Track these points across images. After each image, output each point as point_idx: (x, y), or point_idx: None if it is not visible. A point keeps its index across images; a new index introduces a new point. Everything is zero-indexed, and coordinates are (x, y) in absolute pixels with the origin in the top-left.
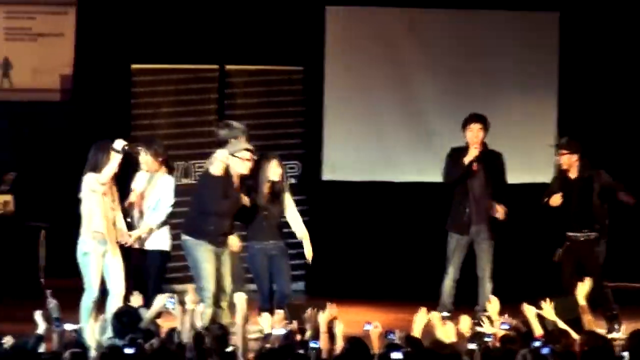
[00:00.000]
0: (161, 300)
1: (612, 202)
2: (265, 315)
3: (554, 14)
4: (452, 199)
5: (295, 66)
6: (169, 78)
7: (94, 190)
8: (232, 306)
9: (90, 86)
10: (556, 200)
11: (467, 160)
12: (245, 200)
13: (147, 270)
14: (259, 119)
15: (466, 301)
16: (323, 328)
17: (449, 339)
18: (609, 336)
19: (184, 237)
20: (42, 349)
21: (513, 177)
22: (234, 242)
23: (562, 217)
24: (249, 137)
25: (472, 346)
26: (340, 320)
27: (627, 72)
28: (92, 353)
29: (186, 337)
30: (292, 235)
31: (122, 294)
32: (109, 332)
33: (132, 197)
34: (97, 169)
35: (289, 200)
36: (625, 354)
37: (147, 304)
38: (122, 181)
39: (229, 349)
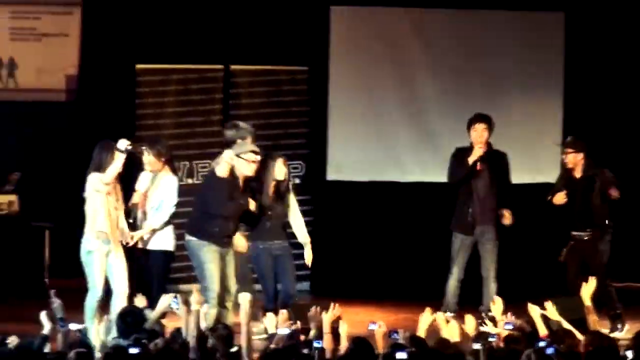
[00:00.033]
0: (166, 301)
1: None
2: (270, 315)
3: (559, 14)
4: (456, 199)
5: (299, 66)
6: (173, 78)
7: (98, 190)
8: (237, 306)
9: (95, 86)
10: (559, 198)
11: (471, 159)
12: (252, 204)
13: (151, 271)
14: (263, 119)
15: (470, 301)
16: (326, 328)
17: (453, 339)
18: (612, 335)
19: (188, 237)
20: (47, 349)
21: (517, 177)
22: (241, 242)
23: (567, 216)
24: (255, 137)
25: (476, 346)
26: (344, 320)
27: (632, 72)
28: (97, 353)
29: (191, 337)
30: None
31: (126, 293)
32: (114, 333)
33: (135, 198)
34: (101, 168)
35: (293, 203)
36: (629, 353)
37: (152, 304)
38: (127, 181)
39: (234, 349)
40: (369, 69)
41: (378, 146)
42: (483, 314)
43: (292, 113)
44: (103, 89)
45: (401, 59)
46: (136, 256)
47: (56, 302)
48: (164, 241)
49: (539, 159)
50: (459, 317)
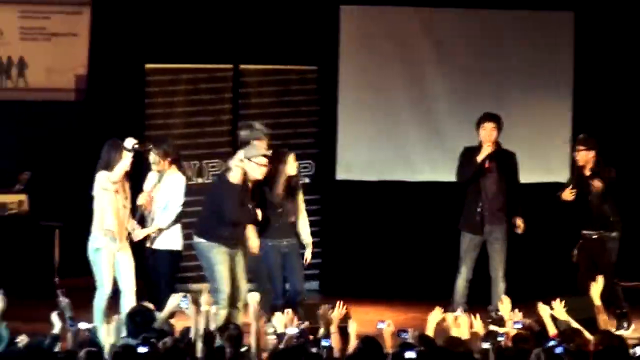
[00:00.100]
0: (175, 300)
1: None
2: (278, 314)
3: (569, 14)
4: (465, 198)
5: (309, 65)
6: (183, 78)
7: (106, 188)
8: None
9: (104, 86)
10: (567, 194)
11: (479, 157)
12: (259, 214)
13: (158, 270)
14: (273, 118)
15: (479, 301)
16: (334, 328)
17: (463, 337)
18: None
19: (197, 239)
20: (57, 348)
21: (527, 176)
22: (254, 243)
23: (577, 215)
24: (270, 138)
25: (485, 345)
26: (353, 320)
27: None
28: (107, 352)
29: (198, 337)
30: None
31: (134, 291)
32: (124, 332)
33: (141, 199)
34: (109, 167)
35: (301, 203)
36: (638, 349)
37: (160, 304)
38: (138, 180)
39: (243, 348)
40: (379, 68)
41: (387, 145)
42: (493, 314)
43: (302, 112)
44: (112, 88)
45: (411, 58)
46: (145, 255)
47: (64, 301)
48: (172, 241)
49: (549, 159)
50: (468, 317)
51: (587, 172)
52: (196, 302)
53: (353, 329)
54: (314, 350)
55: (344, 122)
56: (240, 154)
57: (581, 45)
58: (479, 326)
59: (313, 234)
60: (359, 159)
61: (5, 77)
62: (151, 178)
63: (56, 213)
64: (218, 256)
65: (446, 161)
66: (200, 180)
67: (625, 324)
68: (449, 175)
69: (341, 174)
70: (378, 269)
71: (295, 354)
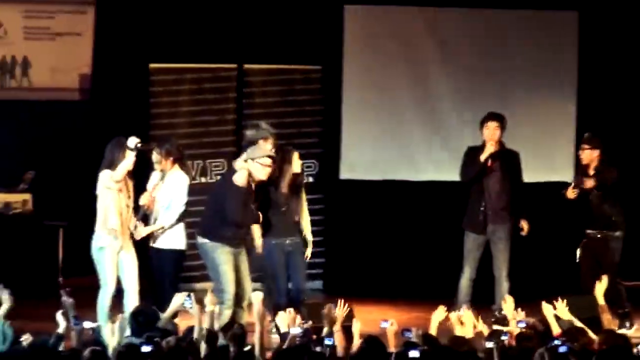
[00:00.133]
0: (179, 300)
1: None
2: (282, 314)
3: (573, 13)
4: (468, 197)
5: (313, 65)
6: (187, 77)
7: (109, 187)
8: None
9: (108, 85)
10: (570, 192)
11: (483, 156)
12: (259, 217)
13: (162, 270)
14: (277, 118)
15: (483, 300)
16: (337, 326)
17: (467, 335)
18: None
19: (201, 240)
20: (61, 347)
21: (531, 176)
22: (258, 243)
23: (581, 214)
24: (276, 138)
25: (489, 344)
26: (357, 319)
27: None
28: (111, 351)
29: (201, 337)
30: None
31: (137, 290)
32: (128, 331)
33: (143, 199)
34: (112, 166)
35: (304, 201)
36: None
37: (163, 303)
38: (142, 179)
39: (247, 347)
40: (383, 67)
41: (391, 145)
42: (496, 313)
43: (306, 112)
44: (117, 88)
45: (415, 57)
46: (148, 255)
47: (67, 301)
48: (175, 240)
49: (553, 158)
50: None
51: (591, 171)
52: (200, 302)
53: (357, 328)
54: (317, 349)
55: (348, 122)
56: (242, 157)
57: (585, 45)
58: (482, 326)
59: (316, 233)
60: (363, 159)
61: (10, 77)
62: (154, 177)
63: (60, 212)
64: (222, 256)
65: (450, 161)
66: (204, 180)
67: (627, 324)
68: (452, 174)
69: (345, 174)
70: (381, 268)
71: (299, 353)
